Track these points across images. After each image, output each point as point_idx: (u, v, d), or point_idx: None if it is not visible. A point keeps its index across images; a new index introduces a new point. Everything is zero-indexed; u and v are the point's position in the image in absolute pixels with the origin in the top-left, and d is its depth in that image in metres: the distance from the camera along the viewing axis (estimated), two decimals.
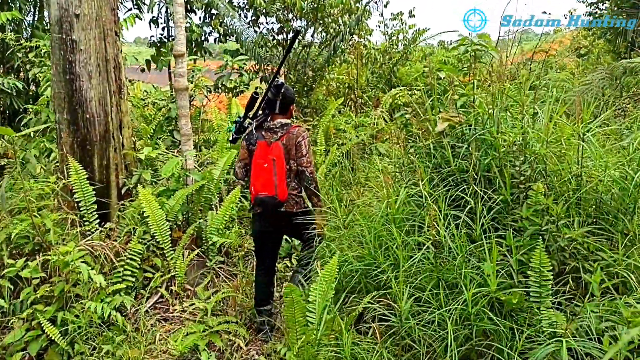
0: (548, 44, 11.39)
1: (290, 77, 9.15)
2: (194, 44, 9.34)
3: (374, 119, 9.50)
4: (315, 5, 8.66)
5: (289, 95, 3.68)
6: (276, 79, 3.62)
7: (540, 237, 2.81)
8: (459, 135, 3.76)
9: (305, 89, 9.44)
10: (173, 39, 9.73)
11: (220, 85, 8.17)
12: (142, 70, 9.13)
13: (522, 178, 3.14)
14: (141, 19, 9.92)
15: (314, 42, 9.51)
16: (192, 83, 7.01)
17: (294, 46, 8.26)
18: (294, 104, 3.85)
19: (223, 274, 4.62)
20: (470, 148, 3.33)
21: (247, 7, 9.38)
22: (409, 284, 2.81)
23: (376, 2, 9.28)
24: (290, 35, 4.26)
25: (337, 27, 9.11)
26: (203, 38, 9.38)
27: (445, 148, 3.54)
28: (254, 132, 3.63)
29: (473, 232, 3.02)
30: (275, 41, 9.41)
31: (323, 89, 9.78)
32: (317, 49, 9.57)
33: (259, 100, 3.67)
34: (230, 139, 3.84)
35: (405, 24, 13.32)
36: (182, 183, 4.88)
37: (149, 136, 6.46)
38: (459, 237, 2.87)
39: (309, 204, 3.78)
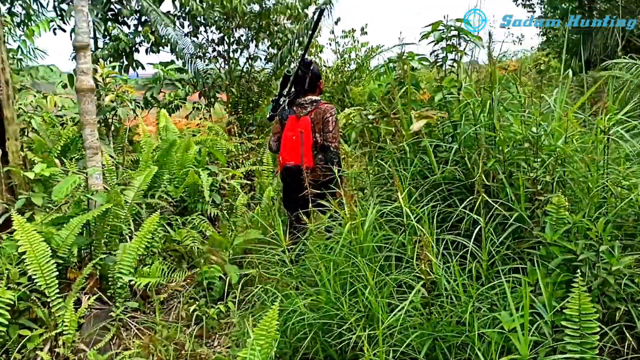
0: (508, 61, 10.90)
1: (232, 91, 8.16)
2: (123, 56, 8.27)
3: None
4: (260, 11, 7.77)
5: (316, 72, 3.97)
6: (305, 58, 3.88)
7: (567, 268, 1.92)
8: (440, 136, 2.87)
9: (251, 105, 8.46)
10: (99, 50, 8.67)
11: (150, 99, 7.10)
12: (64, 86, 7.94)
13: (539, 187, 2.25)
14: (64, 30, 8.80)
15: (258, 54, 8.58)
16: (112, 92, 5.92)
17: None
18: (322, 80, 4.07)
19: (135, 326, 3.52)
20: (462, 148, 2.43)
21: (183, 15, 8.39)
22: (391, 348, 1.83)
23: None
24: (316, 13, 3.84)
25: (284, 37, 8.22)
26: (133, 48, 8.29)
27: (427, 151, 2.63)
28: (287, 108, 3.88)
29: (476, 263, 2.08)
30: (215, 52, 8.43)
31: (270, 105, 8.82)
32: (263, 61, 8.63)
33: (291, 79, 3.89)
34: (268, 116, 4.15)
35: (358, 42, 12.68)
36: (84, 208, 3.78)
37: (55, 155, 5.31)
38: (460, 273, 1.93)
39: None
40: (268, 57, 8.53)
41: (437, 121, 2.83)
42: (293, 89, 3.91)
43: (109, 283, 3.59)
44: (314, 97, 3.90)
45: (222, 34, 8.24)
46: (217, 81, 8.24)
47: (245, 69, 8.49)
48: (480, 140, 2.53)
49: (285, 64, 8.24)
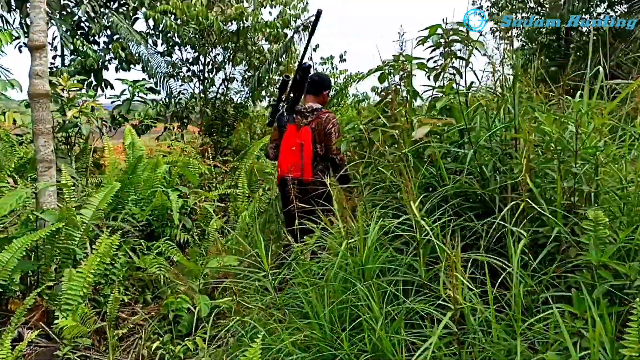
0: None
1: (207, 112, 7.75)
2: (91, 73, 7.82)
3: None
4: (237, 29, 7.44)
5: (324, 80, 3.90)
6: (304, 62, 3.67)
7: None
8: (446, 144, 2.50)
9: (226, 128, 8.05)
10: (65, 67, 8.18)
11: (117, 117, 6.63)
12: (27, 105, 7.41)
13: (576, 199, 1.87)
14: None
15: (234, 75, 8.21)
16: (76, 107, 5.45)
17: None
18: (329, 90, 3.90)
19: None
20: (477, 155, 2.06)
21: (156, 33, 8.01)
22: None
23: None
24: (313, 16, 3.64)
25: (262, 57, 7.89)
26: (102, 65, 7.85)
27: (433, 161, 2.25)
28: (285, 114, 3.72)
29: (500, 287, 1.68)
30: (190, 72, 8.04)
31: (246, 128, 8.43)
32: (239, 82, 8.27)
33: (289, 83, 3.73)
34: (267, 122, 4.03)
35: (336, 69, 12.47)
36: (32, 228, 3.29)
37: (8, 172, 4.79)
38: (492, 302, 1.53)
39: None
40: (245, 78, 8.18)
41: (442, 128, 2.47)
42: (292, 95, 3.74)
43: (57, 316, 3.07)
44: (316, 105, 3.72)
45: (197, 53, 7.87)
46: (191, 102, 7.84)
47: (220, 90, 8.12)
48: (495, 146, 2.17)
49: (264, 85, 7.90)
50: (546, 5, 13.54)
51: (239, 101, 8.16)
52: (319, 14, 3.69)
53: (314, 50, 11.88)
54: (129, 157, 5.16)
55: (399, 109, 2.38)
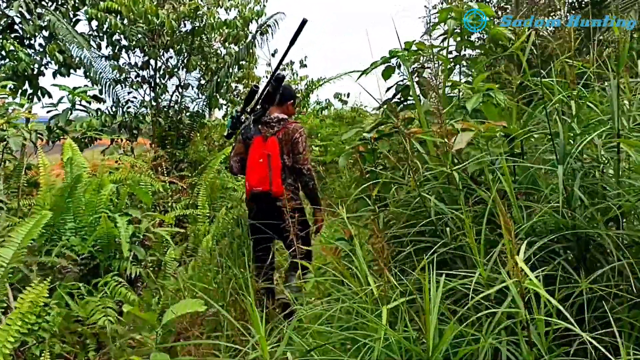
0: None
1: (160, 121, 6.94)
2: (25, 80, 6.88)
3: None
4: (191, 29, 6.68)
5: (289, 92, 3.69)
6: (278, 72, 3.59)
7: None
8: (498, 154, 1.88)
9: (181, 139, 7.25)
10: None
11: (55, 129, 5.75)
12: None
13: None
14: None
15: (189, 82, 7.43)
16: (2, 118, 4.58)
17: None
18: (294, 101, 3.76)
19: None
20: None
21: (100, 34, 7.13)
22: None
23: (267, 44, 7.48)
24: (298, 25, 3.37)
25: (221, 60, 7.16)
26: (37, 70, 6.91)
27: (489, 179, 1.61)
28: (251, 126, 3.57)
29: None
30: (139, 78, 7.21)
31: (203, 139, 7.65)
32: (196, 89, 7.49)
33: (258, 94, 3.63)
34: (226, 134, 3.85)
35: (297, 75, 11.86)
36: None
37: None
38: None
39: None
40: (201, 84, 7.41)
41: (490, 134, 1.84)
42: (259, 106, 3.59)
43: None
44: (282, 115, 3.58)
45: (147, 57, 7.05)
46: (141, 111, 7.01)
47: (174, 98, 7.32)
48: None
49: (222, 91, 7.16)
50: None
51: (195, 109, 7.39)
52: (303, 23, 3.46)
53: (273, 55, 11.23)
54: (67, 175, 4.33)
55: (436, 109, 1.72)
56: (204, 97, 7.36)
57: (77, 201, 3.98)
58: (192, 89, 7.52)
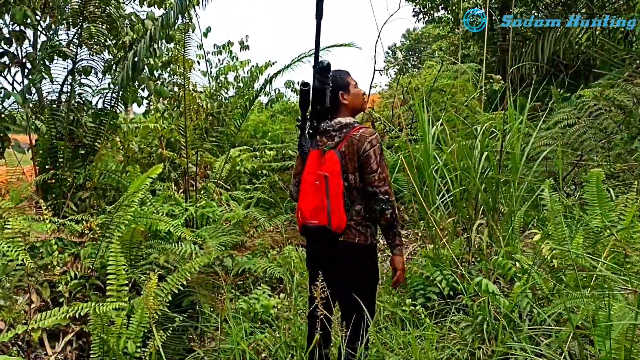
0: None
1: (42, 126, 4.33)
2: None
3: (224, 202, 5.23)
4: None
5: (334, 80, 2.59)
6: (320, 60, 2.51)
7: None
8: None
9: (80, 152, 4.67)
10: None
11: None
12: None
13: None
14: None
15: (93, 64, 4.85)
16: None
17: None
18: (344, 92, 2.66)
19: None
20: None
21: None
22: None
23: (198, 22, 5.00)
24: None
25: (139, 28, 4.62)
26: None
27: None
28: (308, 137, 2.75)
29: None
30: (4, 59, 4.55)
31: (116, 150, 5.06)
32: (101, 74, 4.90)
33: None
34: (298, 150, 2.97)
35: (237, 59, 9.41)
36: None
37: None
38: None
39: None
40: (109, 66, 4.83)
41: None
42: (314, 109, 2.61)
43: None
44: (345, 120, 2.65)
45: (15, 24, 4.41)
46: (9, 109, 4.38)
47: (66, 89, 4.72)
48: None
49: (143, 76, 4.63)
50: None
51: (100, 106, 4.82)
52: None
53: (205, 35, 8.73)
54: None
55: None
56: (114, 86, 4.81)
57: None
58: (96, 74, 4.95)
